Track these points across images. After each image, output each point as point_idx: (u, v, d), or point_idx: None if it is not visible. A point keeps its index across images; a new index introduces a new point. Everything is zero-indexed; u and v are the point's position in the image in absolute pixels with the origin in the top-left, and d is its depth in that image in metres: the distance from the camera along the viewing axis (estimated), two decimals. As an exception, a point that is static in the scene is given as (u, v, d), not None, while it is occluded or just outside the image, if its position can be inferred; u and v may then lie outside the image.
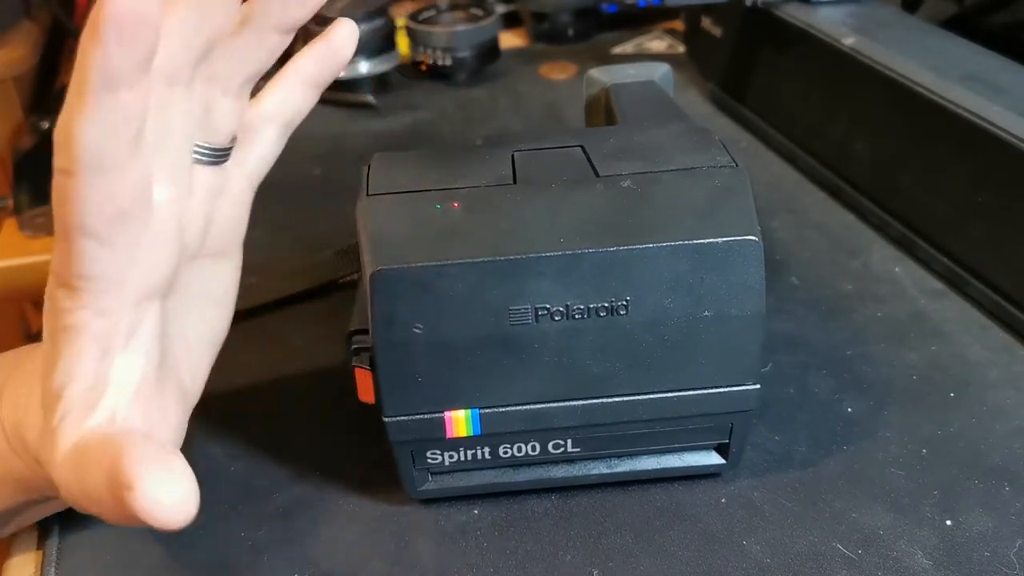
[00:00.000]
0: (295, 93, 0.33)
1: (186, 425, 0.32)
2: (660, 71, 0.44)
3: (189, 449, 0.36)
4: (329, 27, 0.33)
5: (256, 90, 0.33)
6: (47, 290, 0.27)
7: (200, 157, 0.30)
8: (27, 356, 0.32)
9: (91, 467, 0.26)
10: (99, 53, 0.23)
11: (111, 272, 0.26)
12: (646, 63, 0.45)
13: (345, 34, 0.33)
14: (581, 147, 0.32)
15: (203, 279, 0.32)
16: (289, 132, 0.34)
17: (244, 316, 0.44)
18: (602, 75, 0.44)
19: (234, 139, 0.32)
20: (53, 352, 0.27)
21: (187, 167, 0.30)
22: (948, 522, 0.32)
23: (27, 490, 0.31)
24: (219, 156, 0.31)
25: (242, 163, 0.32)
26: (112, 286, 0.26)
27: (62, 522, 0.34)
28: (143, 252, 0.27)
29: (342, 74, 0.64)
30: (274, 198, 0.52)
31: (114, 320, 0.27)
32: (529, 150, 0.33)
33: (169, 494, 0.24)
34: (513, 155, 0.32)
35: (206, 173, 0.30)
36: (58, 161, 0.24)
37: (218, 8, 0.27)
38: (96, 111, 0.23)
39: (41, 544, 0.34)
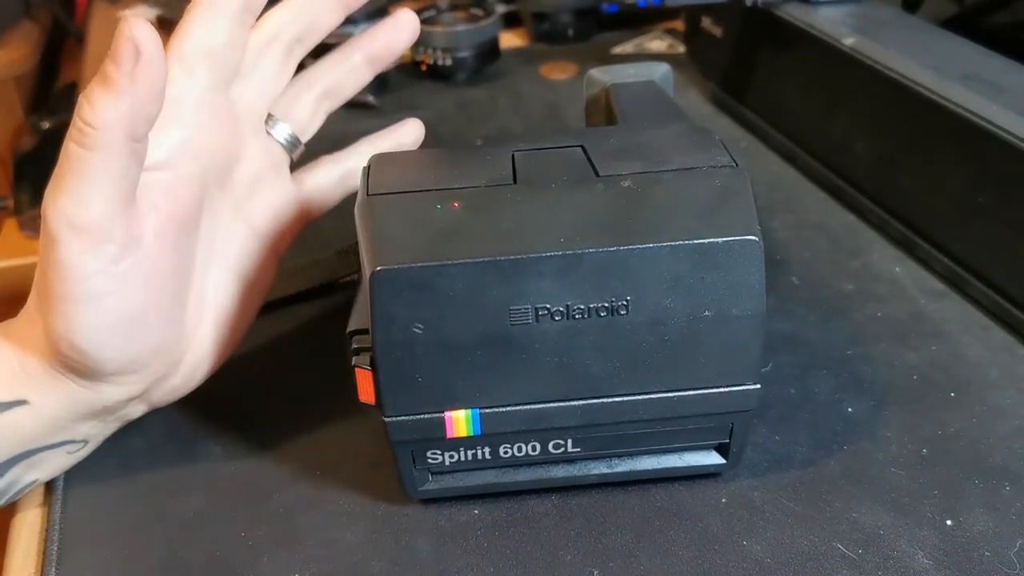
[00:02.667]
0: (359, 70, 0.40)
1: (166, 361, 0.33)
2: (660, 71, 0.44)
3: (189, 449, 0.37)
4: (394, 14, 0.39)
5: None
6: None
7: (271, 129, 0.37)
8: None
9: None
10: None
11: (182, 96, 0.32)
12: (646, 63, 0.45)
13: (407, 20, 0.39)
14: (581, 147, 0.32)
15: (237, 246, 0.36)
16: (342, 194, 0.40)
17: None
18: (602, 75, 0.44)
19: (300, 142, 0.39)
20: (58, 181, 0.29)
21: (260, 120, 0.37)
22: (948, 522, 0.32)
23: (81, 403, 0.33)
24: (288, 140, 0.38)
25: (301, 182, 0.39)
26: (187, 112, 0.33)
27: (63, 521, 0.34)
28: (207, 113, 0.33)
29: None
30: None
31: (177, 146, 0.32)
32: (529, 150, 0.33)
33: (139, 23, 0.27)
34: (513, 155, 0.32)
35: (272, 144, 0.37)
36: (86, 140, 0.28)
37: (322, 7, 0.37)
38: (142, 88, 0.28)
39: (42, 543, 0.34)
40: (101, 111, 0.28)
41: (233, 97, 0.35)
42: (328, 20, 0.38)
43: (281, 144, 0.38)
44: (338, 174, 0.39)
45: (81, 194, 0.28)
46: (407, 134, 0.41)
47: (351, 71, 0.39)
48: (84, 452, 0.35)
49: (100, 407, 0.33)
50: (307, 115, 0.39)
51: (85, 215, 0.29)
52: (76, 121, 0.28)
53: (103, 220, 0.29)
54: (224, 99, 0.35)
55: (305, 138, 0.39)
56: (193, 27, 0.33)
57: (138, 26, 0.27)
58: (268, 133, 0.37)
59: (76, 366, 0.31)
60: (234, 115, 0.35)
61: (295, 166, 0.39)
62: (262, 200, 0.37)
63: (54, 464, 0.34)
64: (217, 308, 0.35)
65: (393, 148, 0.40)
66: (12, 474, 0.33)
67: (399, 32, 0.39)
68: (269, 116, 0.37)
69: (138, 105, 0.28)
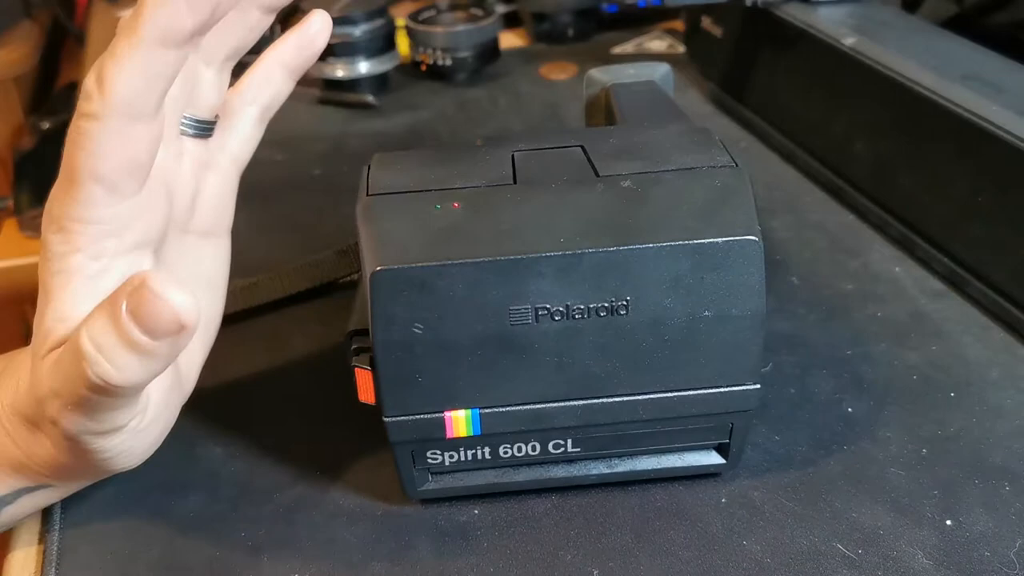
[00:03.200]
0: (274, 78, 0.35)
1: (175, 417, 0.33)
2: (660, 71, 0.44)
3: (189, 449, 0.37)
4: (305, 16, 0.35)
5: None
6: (41, 236, 0.28)
7: (186, 128, 0.32)
8: (20, 352, 0.32)
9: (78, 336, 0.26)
10: (167, 11, 0.25)
11: (112, 218, 0.27)
12: (646, 63, 0.45)
13: (319, 23, 0.35)
14: (581, 147, 0.32)
15: (194, 258, 0.34)
16: (268, 116, 0.36)
17: (244, 316, 0.44)
18: (602, 75, 0.44)
19: (216, 116, 0.34)
20: (45, 298, 0.28)
21: (176, 135, 0.32)
22: (948, 522, 0.32)
23: (23, 475, 0.32)
24: (204, 129, 0.33)
25: (225, 145, 0.34)
26: (111, 232, 0.27)
27: (63, 521, 0.34)
28: (142, 204, 0.28)
29: (341, 74, 0.64)
30: (275, 198, 0.52)
31: (109, 266, 0.28)
32: (529, 150, 0.33)
33: (177, 292, 0.24)
34: (513, 155, 0.32)
35: (192, 144, 0.33)
36: (85, 106, 0.25)
37: None
38: (145, 62, 0.25)
39: (42, 543, 0.34)
40: (128, 373, 0.26)
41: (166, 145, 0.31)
42: (256, 32, 0.33)
43: (194, 136, 0.33)
44: (257, 115, 0.35)
45: (99, 416, 0.28)
46: (311, 25, 0.35)
47: (249, 29, 0.33)
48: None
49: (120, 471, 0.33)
50: (212, 90, 0.33)
51: (109, 426, 0.28)
52: (91, 376, 0.25)
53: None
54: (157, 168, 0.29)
55: (217, 109, 0.34)
56: (105, 146, 0.26)
57: (178, 295, 0.24)
58: (180, 137, 0.32)
59: (106, 473, 0.32)
60: (168, 166, 0.31)
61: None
62: (200, 206, 0.34)
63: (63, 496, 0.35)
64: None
65: (299, 45, 0.35)
66: (26, 519, 0.34)
67: (311, 47, 0.35)
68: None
69: (168, 359, 0.26)
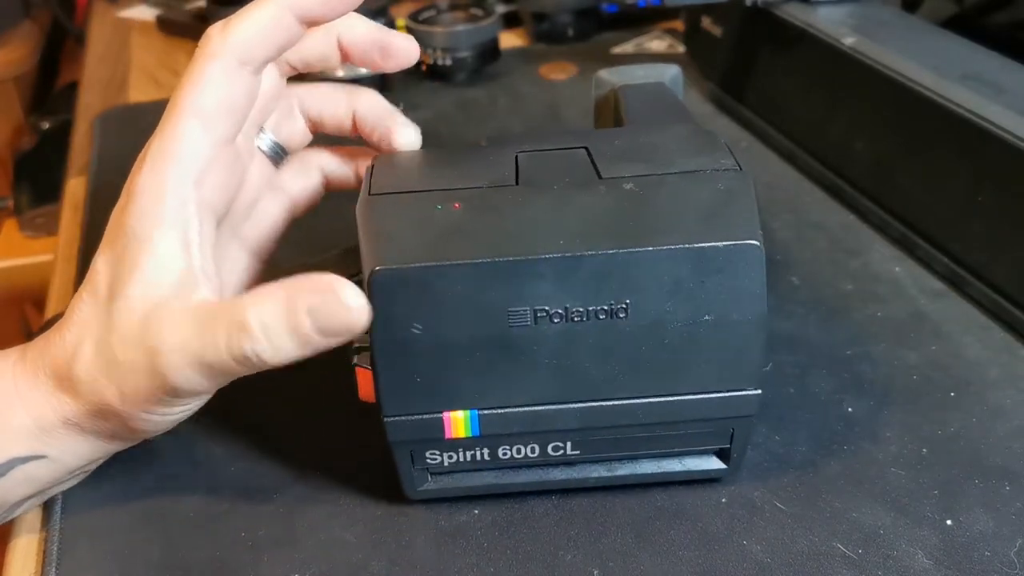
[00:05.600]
0: (350, 171, 0.38)
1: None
2: (670, 73, 0.44)
3: (189, 449, 0.37)
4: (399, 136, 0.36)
5: None
6: (128, 182, 0.31)
7: (263, 142, 0.36)
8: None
9: (235, 314, 0.28)
10: None
11: (198, 156, 0.30)
12: (656, 64, 0.45)
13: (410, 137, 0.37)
14: (585, 148, 0.32)
15: (232, 265, 0.36)
16: (331, 187, 0.39)
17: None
18: (611, 76, 0.44)
19: (288, 153, 0.37)
20: (134, 244, 0.30)
21: (255, 141, 0.35)
22: (948, 522, 0.32)
23: (17, 441, 0.31)
24: (276, 152, 0.36)
25: (288, 184, 0.37)
26: (195, 173, 0.30)
27: (63, 520, 0.34)
28: (222, 161, 0.32)
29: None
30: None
31: (191, 214, 0.30)
32: (533, 151, 0.32)
33: (358, 299, 0.27)
34: (517, 156, 0.32)
35: (263, 161, 0.36)
36: (203, 45, 0.30)
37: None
38: (278, 15, 0.30)
39: (42, 542, 0.34)
40: (283, 356, 0.28)
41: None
42: (320, 48, 0.35)
43: (267, 155, 0.36)
44: (321, 179, 0.38)
45: (212, 380, 0.30)
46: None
47: (340, 123, 0.37)
48: (90, 472, 0.35)
49: (119, 449, 0.34)
50: (299, 133, 0.37)
51: (208, 390, 0.31)
52: (247, 350, 0.28)
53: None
54: (233, 143, 0.33)
55: (292, 151, 0.37)
56: (213, 77, 0.30)
57: (358, 301, 0.27)
58: (257, 147, 0.36)
59: (124, 438, 0.32)
60: (239, 152, 0.34)
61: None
62: (255, 218, 0.36)
63: (61, 489, 0.35)
64: None
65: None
66: (25, 506, 0.34)
67: (395, 130, 0.36)
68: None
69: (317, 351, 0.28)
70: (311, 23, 0.31)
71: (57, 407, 0.31)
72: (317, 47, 0.35)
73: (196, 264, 0.30)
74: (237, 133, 0.32)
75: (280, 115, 0.36)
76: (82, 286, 0.31)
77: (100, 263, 0.31)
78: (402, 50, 0.34)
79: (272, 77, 0.34)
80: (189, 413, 0.32)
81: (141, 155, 0.31)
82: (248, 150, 0.35)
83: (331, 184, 0.38)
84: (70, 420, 0.31)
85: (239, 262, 0.36)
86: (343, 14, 0.32)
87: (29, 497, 0.33)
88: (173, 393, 0.30)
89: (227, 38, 0.30)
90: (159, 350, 0.29)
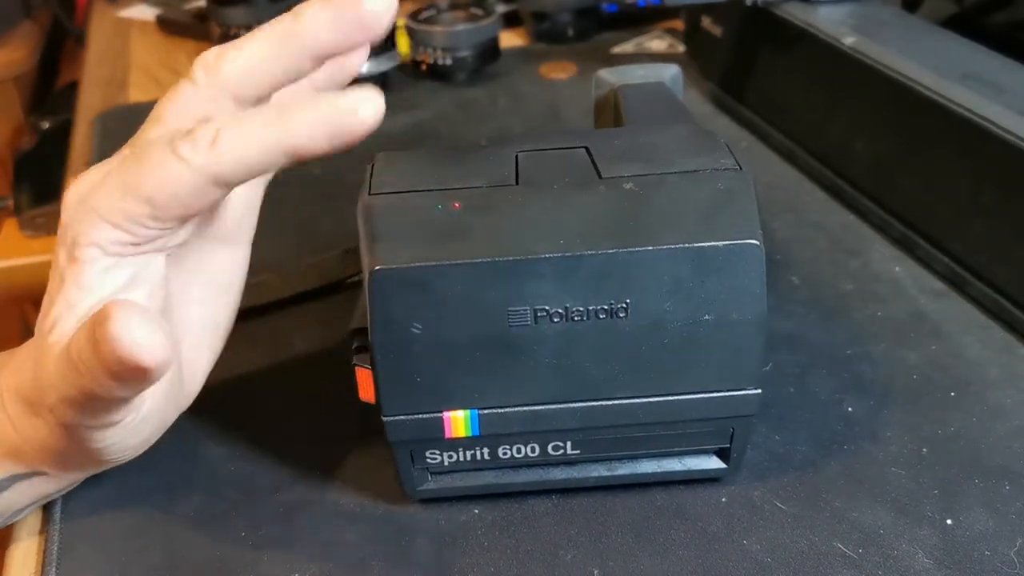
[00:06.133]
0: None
1: (175, 415, 0.33)
2: (670, 72, 0.44)
3: (189, 449, 0.37)
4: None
5: None
6: (61, 222, 0.28)
7: None
8: (25, 345, 0.33)
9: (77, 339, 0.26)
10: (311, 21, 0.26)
11: (139, 236, 0.27)
12: (656, 64, 0.45)
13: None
14: (585, 148, 0.32)
15: (210, 262, 0.33)
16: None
17: (248, 315, 0.44)
18: (611, 76, 0.44)
19: None
20: (57, 281, 0.28)
21: None
22: (948, 521, 0.32)
23: (18, 460, 0.31)
24: None
25: None
26: (126, 244, 0.27)
27: (63, 521, 0.34)
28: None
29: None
30: (275, 198, 0.51)
31: (121, 262, 0.28)
32: (533, 151, 0.32)
33: (143, 331, 0.24)
34: (517, 156, 0.32)
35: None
36: (188, 151, 0.26)
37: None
38: (266, 54, 0.27)
39: (42, 543, 0.34)
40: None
41: None
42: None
43: None
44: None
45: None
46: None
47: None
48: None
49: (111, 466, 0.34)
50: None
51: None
52: (75, 383, 0.26)
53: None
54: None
55: None
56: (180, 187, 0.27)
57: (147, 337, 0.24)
58: None
59: (103, 464, 0.32)
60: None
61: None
62: (223, 213, 0.34)
63: (64, 492, 0.35)
64: (204, 326, 0.34)
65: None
66: (27, 511, 0.34)
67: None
68: None
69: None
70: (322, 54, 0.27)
71: (33, 432, 0.31)
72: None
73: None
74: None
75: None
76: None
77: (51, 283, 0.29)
78: (372, 13, 0.29)
79: None
80: (134, 431, 0.30)
81: (119, 162, 0.28)
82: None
83: None
84: (47, 445, 0.31)
85: (221, 255, 0.34)
86: (355, 44, 0.27)
87: (32, 504, 0.34)
88: (69, 425, 0.29)
89: (214, 156, 0.26)
90: (41, 385, 0.28)
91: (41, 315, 0.29)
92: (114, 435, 0.29)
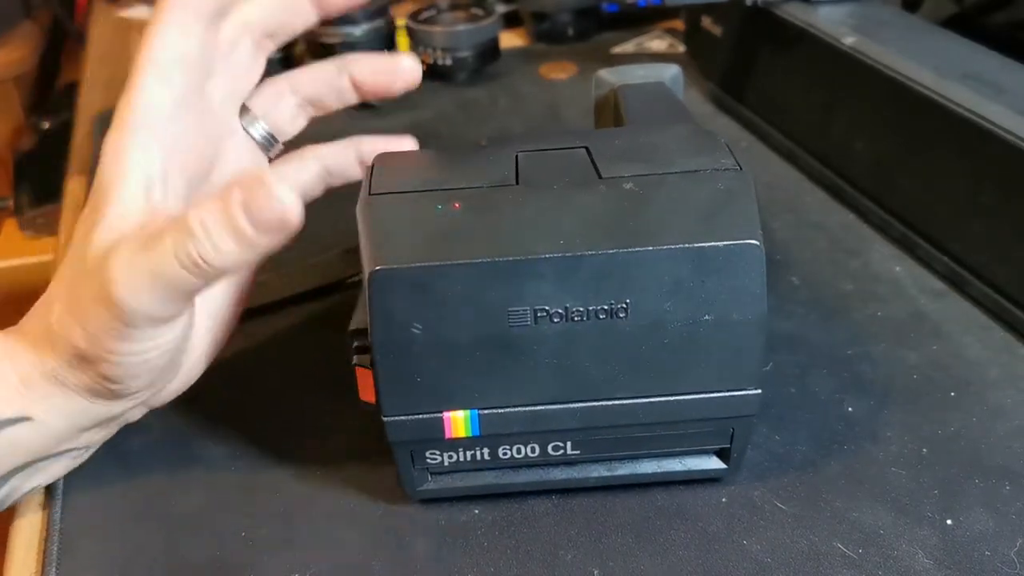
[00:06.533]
0: (349, 160, 0.38)
1: (165, 397, 0.34)
2: (670, 72, 0.44)
3: (189, 449, 0.37)
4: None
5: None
6: (103, 141, 0.32)
7: (253, 132, 0.36)
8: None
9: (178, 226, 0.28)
10: None
11: (160, 107, 0.32)
12: (656, 64, 0.45)
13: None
14: (585, 148, 0.32)
15: None
16: (328, 182, 0.39)
17: (248, 315, 0.44)
18: (611, 76, 0.44)
19: (279, 141, 0.38)
20: (103, 196, 0.31)
21: (235, 114, 0.36)
22: (949, 521, 0.32)
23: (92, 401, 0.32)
24: (268, 141, 0.37)
25: (281, 177, 0.37)
26: (160, 123, 0.31)
27: (63, 520, 0.34)
28: (190, 114, 0.33)
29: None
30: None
31: (159, 169, 0.31)
32: (533, 151, 0.32)
33: (287, 192, 0.27)
34: (517, 156, 0.32)
35: (249, 142, 0.37)
36: (162, 3, 0.32)
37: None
38: None
39: (42, 543, 0.34)
40: (224, 257, 0.28)
41: (208, 94, 0.34)
42: (301, 19, 0.36)
43: (257, 141, 0.37)
44: (318, 169, 0.38)
45: (164, 298, 0.29)
46: (400, 147, 0.39)
47: (339, 91, 0.37)
48: (85, 456, 0.35)
49: (107, 418, 0.33)
50: (287, 117, 0.38)
51: (162, 313, 0.30)
52: (191, 253, 0.28)
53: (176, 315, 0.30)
54: (200, 100, 0.34)
55: (283, 138, 0.38)
56: (166, 32, 0.32)
57: (289, 195, 0.27)
58: (245, 129, 0.36)
59: (103, 393, 0.32)
60: (211, 114, 0.35)
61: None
62: (229, 173, 0.36)
63: (55, 470, 0.34)
64: (209, 308, 0.35)
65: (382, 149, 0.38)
66: (12, 483, 0.33)
67: (395, 77, 0.36)
68: (245, 111, 0.36)
69: (258, 253, 0.29)
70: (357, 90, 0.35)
71: (38, 363, 0.31)
72: (330, 84, 0.36)
73: (158, 203, 0.31)
74: (197, 87, 0.33)
75: (268, 100, 0.37)
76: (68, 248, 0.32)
77: (79, 223, 0.32)
78: (408, 69, 0.35)
79: (246, 49, 0.35)
80: (156, 361, 0.31)
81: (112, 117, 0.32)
82: (226, 119, 0.35)
83: (332, 173, 0.38)
84: (51, 375, 0.31)
85: None
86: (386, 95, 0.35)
87: (18, 469, 0.33)
88: (129, 319, 0.29)
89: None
90: (111, 274, 0.29)
91: (86, 234, 0.31)
92: (129, 364, 0.30)
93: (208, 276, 0.28)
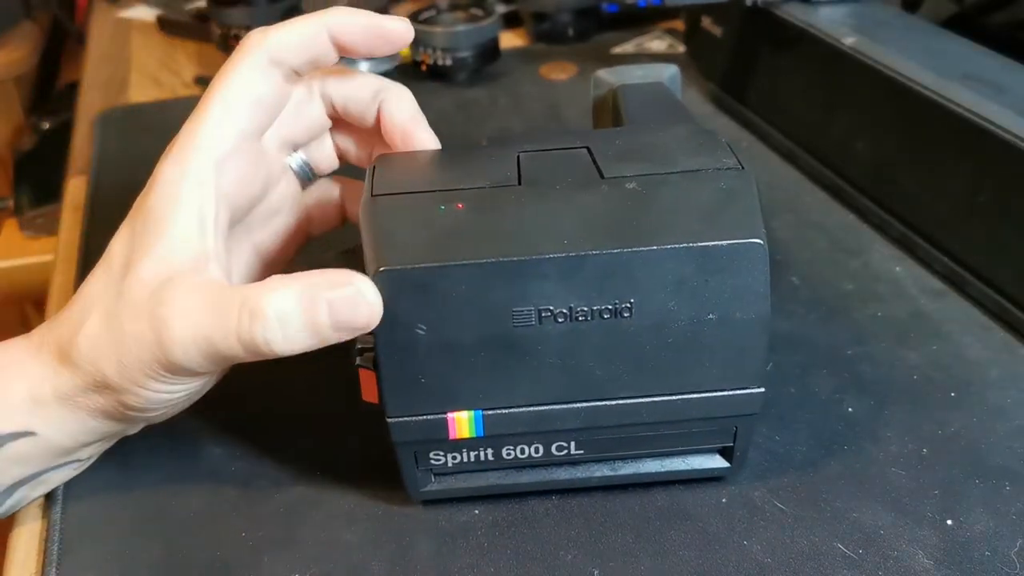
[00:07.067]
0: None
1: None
2: (668, 72, 0.44)
3: (189, 449, 0.37)
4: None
5: None
6: (155, 169, 0.32)
7: (293, 160, 0.36)
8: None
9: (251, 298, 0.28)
10: (350, 18, 0.32)
11: (219, 144, 0.31)
12: (654, 64, 0.45)
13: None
14: (587, 148, 0.32)
15: (245, 264, 0.36)
16: (340, 214, 0.39)
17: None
18: (610, 76, 0.44)
19: (317, 176, 0.38)
20: (154, 226, 0.30)
21: (282, 155, 0.36)
22: (949, 522, 0.32)
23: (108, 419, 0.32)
24: (306, 173, 0.37)
25: (311, 206, 0.38)
26: (215, 161, 0.31)
27: (63, 521, 0.34)
28: (244, 156, 0.32)
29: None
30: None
31: (207, 204, 0.31)
32: (535, 151, 0.32)
33: (376, 296, 0.28)
34: (519, 156, 0.32)
35: (291, 178, 0.37)
36: (243, 42, 0.32)
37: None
38: (310, 31, 0.32)
39: (42, 543, 0.34)
40: (292, 347, 0.29)
41: (267, 138, 0.35)
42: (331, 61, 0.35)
43: (296, 172, 0.37)
44: (340, 192, 0.38)
45: (212, 361, 0.30)
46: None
47: (362, 108, 0.36)
48: (86, 465, 0.35)
49: (111, 434, 0.34)
50: (328, 157, 0.38)
51: (205, 371, 0.30)
52: (257, 336, 0.28)
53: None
54: (259, 143, 0.34)
55: (321, 175, 0.38)
56: (244, 73, 0.32)
57: (376, 298, 0.28)
58: (288, 165, 0.37)
59: (116, 416, 0.32)
60: (265, 156, 0.35)
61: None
62: (272, 227, 0.37)
63: (57, 479, 0.35)
64: None
65: None
66: (17, 496, 0.34)
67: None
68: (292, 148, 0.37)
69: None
70: (344, 50, 0.32)
71: (54, 380, 0.31)
72: (363, 100, 0.36)
73: (209, 245, 0.31)
74: (262, 130, 0.33)
75: (314, 142, 0.37)
76: (97, 265, 0.32)
77: (117, 243, 0.31)
78: (398, 31, 0.35)
79: (316, 107, 0.36)
80: (179, 400, 0.32)
81: (169, 145, 0.32)
82: (277, 160, 0.36)
83: (350, 208, 0.39)
84: (64, 394, 0.31)
85: (248, 266, 0.36)
86: (377, 54, 0.34)
87: (21, 482, 0.33)
88: (172, 369, 0.30)
89: (263, 39, 0.31)
90: (167, 323, 0.29)
91: (105, 257, 0.31)
92: (153, 399, 0.31)
93: (264, 357, 0.29)
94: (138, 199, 0.32)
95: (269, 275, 0.36)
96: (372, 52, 0.34)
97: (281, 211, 0.37)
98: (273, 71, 0.32)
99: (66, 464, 0.34)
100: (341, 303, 0.28)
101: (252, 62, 0.32)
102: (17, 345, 0.32)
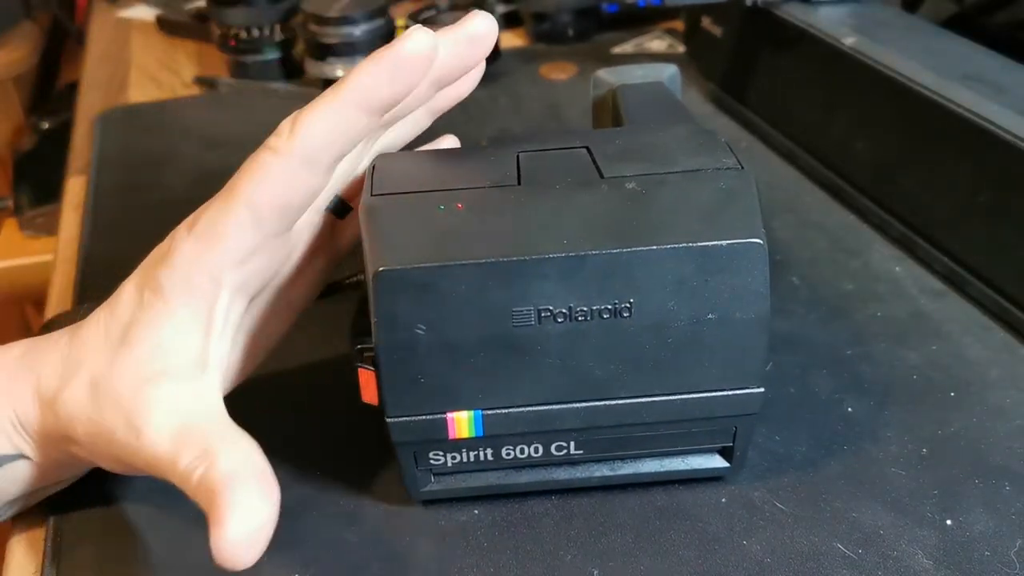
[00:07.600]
0: None
1: None
2: (668, 72, 0.44)
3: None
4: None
5: None
6: (177, 234, 0.30)
7: (330, 205, 0.33)
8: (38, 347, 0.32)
9: (190, 467, 0.28)
10: (371, 78, 0.27)
11: (241, 247, 0.29)
12: (654, 64, 0.45)
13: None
14: (587, 148, 0.32)
15: (268, 327, 0.35)
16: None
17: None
18: (609, 76, 0.44)
19: (352, 208, 0.34)
20: (159, 296, 0.29)
21: (321, 205, 0.33)
22: (948, 522, 0.32)
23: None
24: (339, 210, 0.34)
25: (339, 237, 0.35)
26: (234, 261, 0.29)
27: (62, 522, 0.34)
28: (269, 250, 0.30)
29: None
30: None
31: (219, 296, 0.30)
32: (534, 151, 0.32)
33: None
34: (518, 156, 0.32)
35: (327, 219, 0.34)
36: (272, 141, 0.28)
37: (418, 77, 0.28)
38: (340, 116, 0.28)
39: (42, 543, 0.34)
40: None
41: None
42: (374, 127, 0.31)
43: (330, 210, 0.34)
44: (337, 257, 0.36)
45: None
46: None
47: (413, 124, 0.36)
48: (78, 477, 0.35)
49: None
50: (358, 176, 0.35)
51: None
52: (198, 496, 0.28)
53: None
54: (288, 229, 0.31)
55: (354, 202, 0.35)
56: (275, 179, 0.28)
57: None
58: (317, 207, 0.33)
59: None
60: (291, 236, 0.32)
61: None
62: (306, 276, 0.34)
63: (53, 490, 0.35)
64: (260, 342, 0.34)
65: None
66: (16, 507, 0.34)
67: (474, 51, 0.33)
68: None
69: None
70: (380, 113, 0.29)
71: (39, 417, 0.31)
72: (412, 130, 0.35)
73: (212, 349, 0.30)
74: (289, 227, 0.30)
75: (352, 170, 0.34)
76: (102, 307, 0.31)
77: (126, 293, 0.31)
78: (483, 30, 0.32)
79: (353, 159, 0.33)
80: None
81: (193, 217, 0.30)
82: (308, 222, 0.33)
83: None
84: (49, 436, 0.31)
85: (275, 317, 0.34)
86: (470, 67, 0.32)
87: (19, 499, 0.33)
88: (127, 470, 0.31)
89: (293, 139, 0.28)
90: (141, 433, 0.29)
91: (114, 301, 0.31)
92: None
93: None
94: (156, 253, 0.30)
95: (295, 315, 0.36)
96: (473, 62, 0.33)
97: (310, 258, 0.34)
98: (305, 172, 0.29)
99: (61, 482, 0.34)
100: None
101: (283, 167, 0.28)
102: (12, 365, 0.32)
